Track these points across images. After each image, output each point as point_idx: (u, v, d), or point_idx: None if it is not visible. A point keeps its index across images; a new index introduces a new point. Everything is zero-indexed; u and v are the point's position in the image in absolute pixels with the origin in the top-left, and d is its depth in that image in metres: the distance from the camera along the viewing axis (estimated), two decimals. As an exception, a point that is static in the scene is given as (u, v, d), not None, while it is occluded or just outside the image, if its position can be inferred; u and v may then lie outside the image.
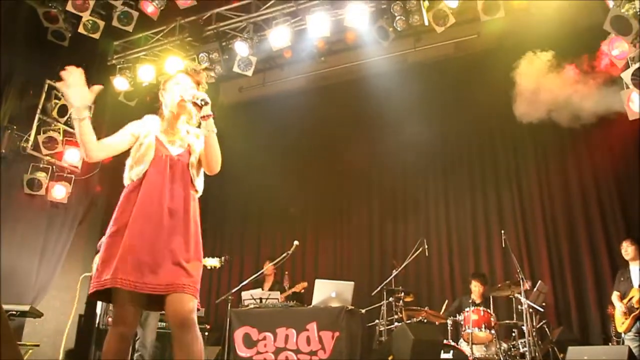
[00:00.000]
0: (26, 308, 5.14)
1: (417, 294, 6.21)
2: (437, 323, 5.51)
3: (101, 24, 6.31)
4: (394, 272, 5.70)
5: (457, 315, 5.42)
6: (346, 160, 7.65)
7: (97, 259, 4.06)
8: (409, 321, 5.21)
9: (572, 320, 5.92)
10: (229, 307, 5.11)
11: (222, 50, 6.57)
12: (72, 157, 6.63)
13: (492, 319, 5.21)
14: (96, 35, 6.37)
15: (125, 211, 2.17)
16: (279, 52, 6.74)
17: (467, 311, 5.27)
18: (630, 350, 4.40)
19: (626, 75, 4.58)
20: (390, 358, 4.60)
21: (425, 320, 5.32)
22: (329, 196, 7.84)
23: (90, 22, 6.28)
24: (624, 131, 5.45)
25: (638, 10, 4.33)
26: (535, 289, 5.19)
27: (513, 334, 5.15)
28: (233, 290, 5.28)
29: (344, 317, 4.66)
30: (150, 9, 6.30)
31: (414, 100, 6.74)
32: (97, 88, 2.26)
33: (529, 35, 5.97)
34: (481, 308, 5.28)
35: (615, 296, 5.11)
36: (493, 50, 6.62)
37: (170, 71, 6.64)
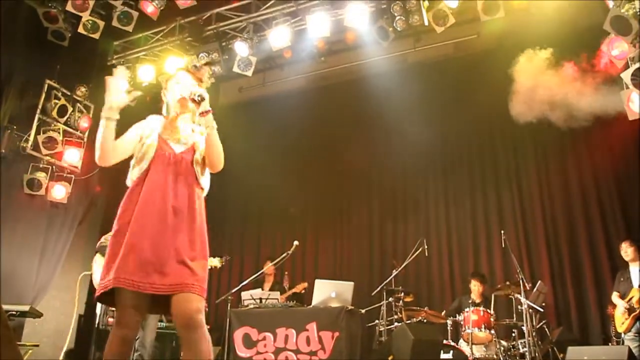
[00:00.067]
0: (26, 308, 5.14)
1: (417, 294, 6.21)
2: (436, 323, 5.51)
3: (101, 24, 6.32)
4: (394, 272, 5.70)
5: (457, 315, 5.42)
6: (346, 160, 7.65)
7: (96, 258, 4.07)
8: (408, 321, 5.21)
9: (571, 320, 5.92)
10: (228, 307, 5.11)
11: (222, 51, 6.57)
12: (71, 157, 6.63)
13: (491, 319, 5.22)
14: (96, 35, 6.38)
15: (128, 210, 2.13)
16: (279, 52, 6.74)
17: (467, 311, 5.27)
18: (630, 350, 4.40)
19: (626, 76, 4.58)
20: (390, 358, 4.60)
21: (425, 321, 5.32)
22: (329, 196, 7.84)
23: (90, 22, 6.28)
24: (623, 131, 5.45)
25: (638, 10, 4.33)
26: (535, 289, 5.19)
27: (513, 334, 5.15)
28: (233, 291, 5.28)
29: (343, 317, 4.66)
30: (150, 9, 6.30)
31: (414, 101, 6.74)
32: (136, 93, 2.30)
33: (528, 36, 5.96)
34: (481, 308, 5.28)
35: (615, 295, 5.12)
36: (493, 51, 6.62)
37: (170, 70, 6.65)
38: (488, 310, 5.28)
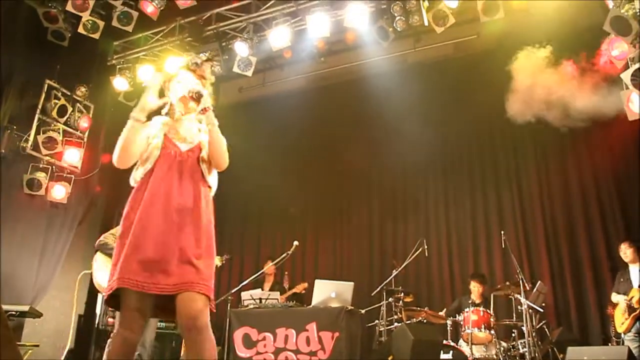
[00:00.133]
0: (26, 308, 5.14)
1: (416, 294, 6.21)
2: (436, 323, 5.52)
3: (101, 24, 6.32)
4: (394, 273, 5.70)
5: (457, 315, 5.42)
6: (346, 160, 7.65)
7: (96, 257, 4.07)
8: (408, 321, 5.21)
9: (571, 320, 5.92)
10: (228, 307, 5.11)
11: (222, 51, 6.57)
12: (71, 157, 6.63)
13: (491, 319, 5.22)
14: (96, 35, 6.38)
15: (132, 211, 2.11)
16: (279, 53, 6.74)
17: (467, 311, 5.28)
18: (629, 350, 4.40)
19: (626, 76, 4.58)
20: (390, 358, 4.60)
21: (425, 321, 5.33)
22: (329, 196, 7.84)
23: (90, 22, 6.28)
24: (623, 132, 5.45)
25: (638, 10, 4.33)
26: (534, 290, 5.19)
27: (513, 335, 5.15)
28: (233, 291, 5.28)
29: (343, 318, 4.66)
30: (150, 9, 6.30)
31: (413, 101, 6.74)
32: (164, 101, 2.28)
33: (528, 36, 5.96)
34: (481, 308, 5.29)
35: (615, 295, 5.12)
36: (493, 51, 6.62)
37: (170, 70, 6.65)
38: (488, 311, 5.28)
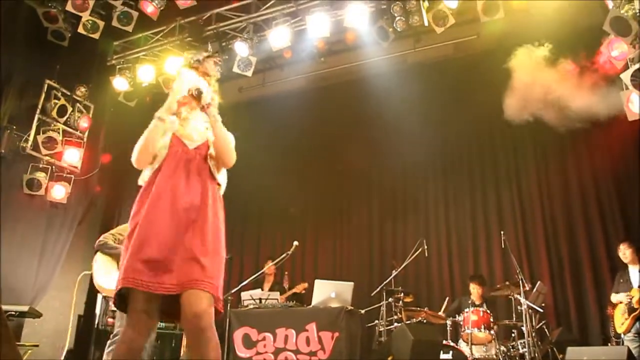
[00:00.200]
0: (25, 308, 5.14)
1: (416, 294, 6.21)
2: (436, 323, 5.51)
3: (101, 24, 6.32)
4: (394, 273, 5.70)
5: (457, 315, 5.42)
6: (346, 160, 7.65)
7: (97, 258, 4.07)
8: (408, 322, 5.21)
9: (571, 320, 5.92)
10: (228, 308, 5.11)
11: (222, 51, 6.57)
12: (71, 157, 6.63)
13: (491, 319, 5.22)
14: (96, 35, 6.38)
15: (139, 210, 2.09)
16: (279, 53, 6.74)
17: (467, 312, 5.28)
18: (629, 350, 4.40)
19: (625, 76, 4.58)
20: (389, 358, 4.60)
21: (424, 321, 5.32)
22: (329, 196, 7.84)
23: (90, 22, 6.28)
24: (623, 132, 5.45)
25: (637, 11, 4.33)
26: (534, 290, 5.19)
27: (512, 335, 5.15)
28: (233, 291, 5.28)
29: (343, 318, 4.66)
30: (150, 9, 6.30)
31: (413, 101, 6.74)
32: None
33: (528, 36, 5.97)
34: (480, 309, 5.29)
35: (615, 296, 5.12)
36: (493, 51, 6.62)
37: (170, 71, 6.65)
38: (488, 311, 5.28)
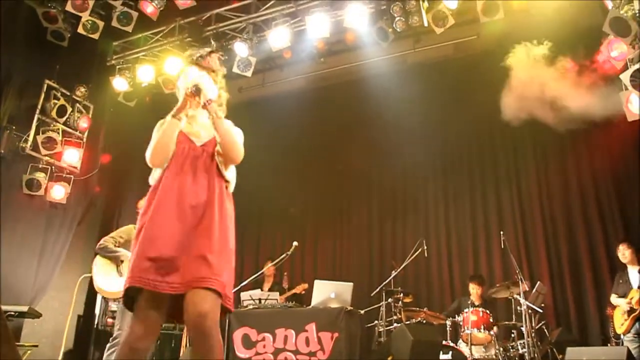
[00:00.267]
0: (25, 309, 5.14)
1: (416, 294, 6.21)
2: (436, 324, 5.51)
3: (100, 24, 6.31)
4: (393, 273, 5.70)
5: (456, 316, 5.42)
6: (346, 160, 7.66)
7: (96, 261, 4.08)
8: (408, 322, 5.21)
9: (571, 321, 5.92)
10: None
11: (222, 51, 6.57)
12: (71, 158, 6.63)
13: (491, 320, 5.22)
14: (95, 36, 6.37)
15: (147, 209, 2.06)
16: (279, 53, 6.74)
17: (466, 312, 5.28)
18: (629, 351, 4.40)
19: (625, 77, 4.58)
20: (389, 359, 4.60)
21: (424, 321, 5.33)
22: (329, 196, 7.84)
23: (90, 22, 6.27)
24: (622, 132, 5.46)
25: (637, 11, 4.33)
26: (534, 290, 5.19)
27: (512, 335, 5.15)
28: (232, 291, 5.26)
29: (343, 318, 4.66)
30: (149, 9, 6.30)
31: (413, 101, 6.74)
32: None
33: (528, 36, 5.97)
34: (480, 309, 5.29)
35: (614, 297, 5.12)
36: (492, 51, 6.62)
37: (169, 71, 6.65)
38: (487, 311, 5.28)
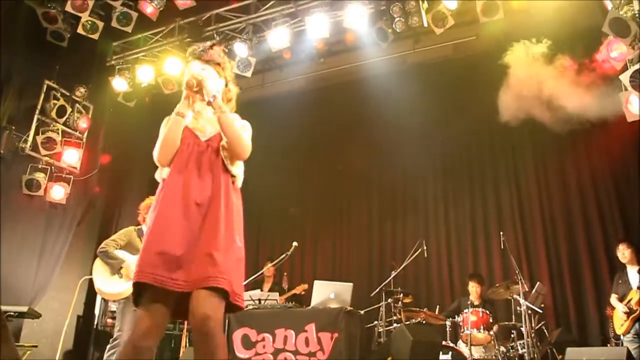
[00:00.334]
0: (24, 309, 5.14)
1: (416, 295, 6.21)
2: (435, 324, 5.51)
3: (100, 24, 6.31)
4: (393, 273, 5.70)
5: (456, 316, 5.42)
6: (346, 160, 7.66)
7: (96, 265, 4.08)
8: (407, 322, 5.21)
9: (570, 321, 5.92)
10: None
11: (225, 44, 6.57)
12: (70, 158, 6.62)
13: (490, 320, 5.22)
14: (95, 36, 6.37)
15: (155, 207, 2.02)
16: (278, 53, 6.75)
17: (466, 312, 5.28)
18: (628, 351, 4.40)
19: (624, 77, 4.58)
20: (389, 359, 4.60)
21: (424, 322, 5.33)
22: (329, 196, 7.84)
23: (90, 22, 6.27)
24: (622, 133, 5.46)
25: (636, 12, 4.34)
26: (533, 290, 5.19)
27: (512, 335, 5.15)
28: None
29: (342, 318, 4.66)
30: (149, 9, 6.29)
31: (413, 101, 6.74)
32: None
33: (528, 37, 5.97)
34: (480, 309, 5.29)
35: (614, 298, 5.12)
36: (492, 52, 6.62)
37: (169, 71, 6.65)
38: (487, 312, 5.28)
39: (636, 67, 4.49)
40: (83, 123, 6.82)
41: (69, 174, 6.62)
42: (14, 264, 5.81)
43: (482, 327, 5.15)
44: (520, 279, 4.97)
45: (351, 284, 5.10)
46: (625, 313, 4.87)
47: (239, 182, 2.18)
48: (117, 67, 7.00)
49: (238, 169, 2.17)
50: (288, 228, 7.73)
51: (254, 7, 6.48)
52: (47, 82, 6.43)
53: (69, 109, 6.65)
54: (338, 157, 7.75)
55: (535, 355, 4.71)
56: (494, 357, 5.07)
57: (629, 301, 4.93)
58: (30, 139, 6.25)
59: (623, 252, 5.18)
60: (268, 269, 6.45)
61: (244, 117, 2.36)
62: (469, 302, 5.54)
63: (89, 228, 7.00)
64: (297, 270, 7.55)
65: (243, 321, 4.98)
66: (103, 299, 6.20)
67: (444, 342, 5.01)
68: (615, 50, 4.76)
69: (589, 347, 5.20)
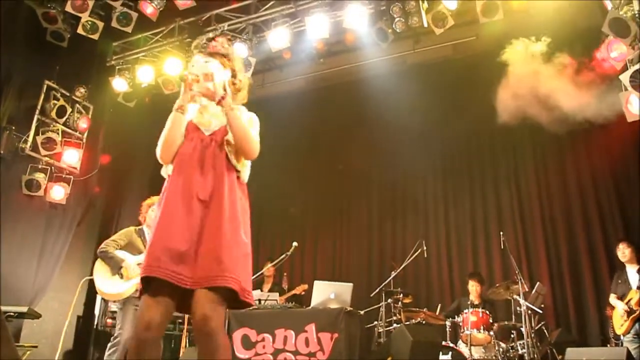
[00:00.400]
0: (24, 309, 5.13)
1: (415, 295, 6.21)
2: (435, 324, 5.51)
3: (100, 24, 6.31)
4: (393, 274, 5.70)
5: (456, 316, 5.42)
6: (346, 160, 7.66)
7: (96, 264, 4.08)
8: (407, 322, 5.21)
9: (570, 321, 5.92)
10: (227, 308, 5.09)
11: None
12: (70, 158, 6.62)
13: (490, 320, 5.22)
14: (95, 36, 6.37)
15: (160, 203, 2.01)
16: (278, 54, 6.74)
17: (466, 313, 5.28)
18: (628, 351, 4.40)
19: (624, 77, 4.59)
20: (388, 359, 4.60)
21: (423, 322, 5.33)
22: (329, 196, 7.85)
23: (90, 22, 6.27)
24: (622, 133, 5.46)
25: (636, 12, 4.34)
26: (533, 291, 5.19)
27: (512, 336, 5.15)
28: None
29: (342, 319, 4.65)
30: (149, 9, 6.29)
31: (413, 102, 6.75)
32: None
33: (528, 37, 5.97)
34: (480, 309, 5.29)
35: (613, 297, 5.12)
36: (492, 52, 6.62)
37: (169, 71, 6.65)
38: (487, 312, 5.28)
39: (636, 67, 4.49)
40: (83, 123, 6.82)
41: (69, 174, 6.62)
42: (14, 264, 5.81)
43: (482, 327, 5.15)
44: (520, 279, 4.97)
45: (351, 284, 5.10)
46: (626, 312, 4.87)
47: (245, 177, 2.15)
48: (117, 67, 7.00)
49: (243, 164, 2.14)
50: (288, 228, 7.72)
51: (254, 7, 6.48)
52: (47, 82, 6.43)
53: (69, 109, 6.65)
54: (338, 157, 7.75)
55: (535, 356, 4.71)
56: (493, 357, 5.07)
57: (629, 301, 4.92)
58: (30, 139, 6.25)
59: (623, 251, 5.18)
60: (268, 269, 6.45)
61: (245, 118, 2.33)
62: (468, 302, 5.54)
63: (89, 228, 7.00)
64: (297, 271, 7.55)
65: (243, 321, 4.98)
66: (103, 299, 6.20)
67: (443, 343, 5.00)
68: (615, 51, 4.77)
69: (589, 348, 5.20)
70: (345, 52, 7.39)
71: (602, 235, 6.02)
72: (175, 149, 2.07)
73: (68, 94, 6.68)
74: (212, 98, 2.08)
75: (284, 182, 7.45)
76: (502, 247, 5.44)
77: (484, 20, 5.61)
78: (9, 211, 5.82)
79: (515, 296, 5.08)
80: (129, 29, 6.35)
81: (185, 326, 5.93)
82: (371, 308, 5.70)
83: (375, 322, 5.62)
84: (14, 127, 6.08)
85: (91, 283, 4.40)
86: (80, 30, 6.27)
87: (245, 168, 2.15)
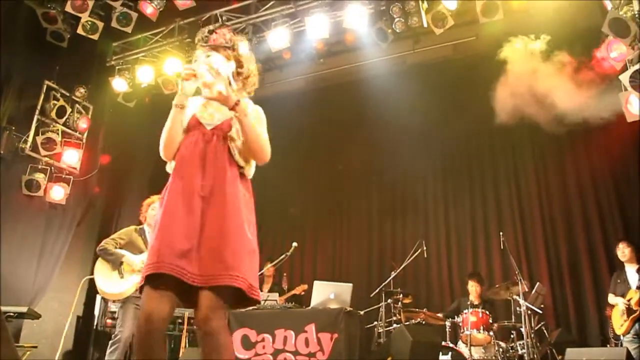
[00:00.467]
0: (24, 309, 5.13)
1: (415, 295, 6.21)
2: (435, 324, 5.51)
3: (100, 24, 6.31)
4: (393, 274, 5.70)
5: (456, 317, 5.42)
6: (346, 160, 7.66)
7: (98, 262, 4.08)
8: (407, 323, 5.22)
9: (570, 321, 5.93)
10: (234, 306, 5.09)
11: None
12: (70, 158, 6.63)
13: (490, 320, 5.22)
14: (95, 36, 6.38)
15: (162, 200, 1.97)
16: (278, 54, 6.74)
17: (466, 313, 5.28)
18: (628, 352, 4.40)
19: (624, 78, 4.58)
20: (388, 359, 4.60)
21: (423, 322, 5.33)
22: (329, 196, 7.85)
23: (89, 23, 6.27)
24: (622, 133, 5.46)
25: (636, 12, 4.34)
26: (533, 291, 5.19)
27: (512, 336, 5.15)
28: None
29: (342, 319, 4.65)
30: (149, 10, 6.30)
31: (412, 102, 6.75)
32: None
33: (528, 36, 5.97)
34: (479, 310, 5.29)
35: (612, 296, 5.12)
36: (491, 52, 6.62)
37: (169, 72, 6.65)
38: (487, 312, 5.28)
39: (636, 67, 4.49)
40: (83, 123, 6.82)
41: (69, 174, 6.62)
42: (14, 264, 5.81)
43: (481, 327, 5.15)
44: (520, 280, 4.97)
45: (351, 285, 5.10)
46: (626, 309, 4.86)
47: (250, 173, 2.13)
48: (117, 67, 7.00)
49: (245, 161, 2.10)
50: (288, 228, 7.73)
51: (253, 7, 6.48)
52: (47, 82, 6.43)
53: (69, 109, 6.65)
54: (338, 157, 7.75)
55: (535, 356, 4.71)
56: (493, 357, 5.07)
57: (629, 301, 4.92)
58: (30, 139, 6.25)
59: (623, 251, 5.18)
60: (268, 269, 6.45)
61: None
62: (468, 303, 5.54)
63: (89, 228, 7.00)
64: (297, 271, 7.55)
65: (243, 321, 4.98)
66: (103, 299, 6.19)
67: (443, 343, 5.01)
68: (615, 51, 4.76)
69: (589, 348, 5.20)
70: (345, 52, 7.39)
71: (602, 235, 6.02)
72: (176, 145, 2.04)
73: (68, 94, 6.68)
74: (225, 103, 2.01)
75: (284, 182, 7.44)
76: (501, 247, 5.44)
77: (483, 20, 5.61)
78: (9, 211, 5.82)
79: (515, 296, 5.08)
80: (128, 29, 6.36)
81: (185, 326, 5.92)
82: (371, 308, 5.71)
83: (375, 322, 5.62)
84: (14, 127, 6.08)
85: (91, 283, 4.40)
86: (80, 31, 6.27)
87: (250, 164, 2.13)
